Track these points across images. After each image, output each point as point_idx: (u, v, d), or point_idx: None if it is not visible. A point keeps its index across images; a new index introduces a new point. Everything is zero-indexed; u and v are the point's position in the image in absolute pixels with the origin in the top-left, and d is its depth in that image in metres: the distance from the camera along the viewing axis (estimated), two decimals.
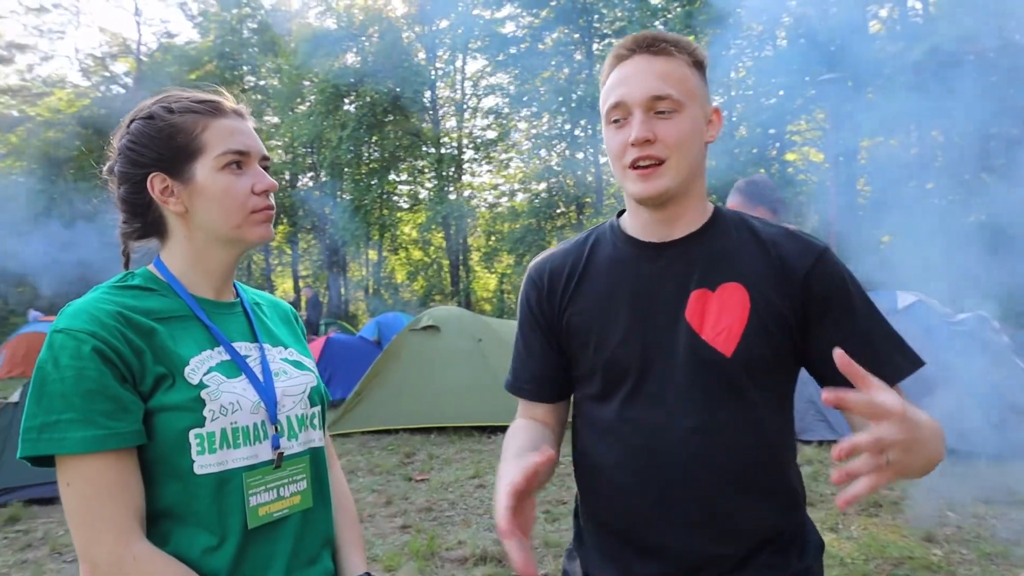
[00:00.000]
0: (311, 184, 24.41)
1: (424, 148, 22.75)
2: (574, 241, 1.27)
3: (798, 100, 14.66)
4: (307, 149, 23.72)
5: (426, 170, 23.68)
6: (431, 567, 3.77)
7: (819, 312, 1.09)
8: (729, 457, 1.06)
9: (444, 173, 22.42)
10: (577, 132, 19.58)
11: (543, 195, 21.44)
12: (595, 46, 19.26)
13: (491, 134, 23.06)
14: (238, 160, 1.06)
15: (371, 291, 25.18)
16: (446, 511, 4.76)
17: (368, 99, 20.84)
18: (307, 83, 22.90)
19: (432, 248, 24.55)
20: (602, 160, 18.20)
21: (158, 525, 0.98)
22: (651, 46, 1.10)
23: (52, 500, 4.93)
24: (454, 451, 6.37)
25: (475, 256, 23.92)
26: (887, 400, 0.77)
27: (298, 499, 1.08)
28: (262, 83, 24.72)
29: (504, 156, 23.24)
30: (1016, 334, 6.66)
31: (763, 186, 3.03)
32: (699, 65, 1.14)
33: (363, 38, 22.38)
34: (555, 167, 21.02)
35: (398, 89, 21.17)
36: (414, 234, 24.50)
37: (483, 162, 23.94)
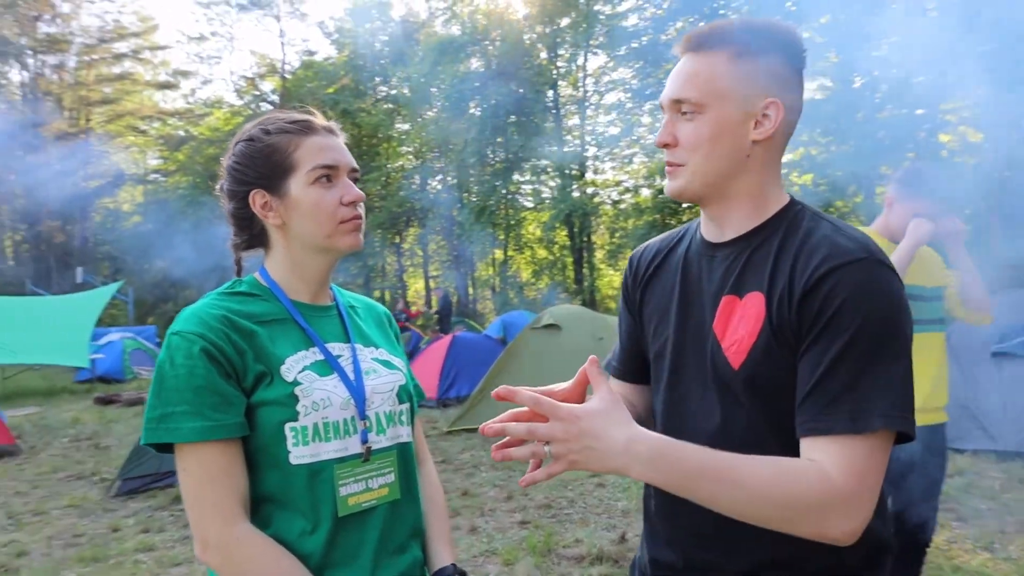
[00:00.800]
0: (439, 187, 25.28)
1: (547, 147, 22.90)
2: (672, 232, 1.30)
3: (951, 75, 13.37)
4: (435, 153, 24.59)
5: (549, 169, 23.83)
6: (548, 563, 3.82)
7: (807, 330, 0.96)
8: None
9: (567, 171, 22.45)
10: None
11: None
12: None
13: (614, 130, 22.82)
14: (327, 174, 1.15)
15: (497, 290, 25.70)
16: (564, 508, 4.79)
17: (492, 102, 21.27)
18: (434, 90, 23.74)
19: (556, 246, 24.68)
20: None
21: (261, 509, 1.08)
22: (691, 44, 1.08)
23: None
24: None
25: (599, 254, 23.78)
26: (555, 405, 0.89)
27: (386, 491, 1.15)
28: (393, 92, 25.89)
29: (627, 152, 22.92)
30: None
31: (925, 175, 2.64)
32: (751, 54, 1.04)
33: (486, 42, 22.90)
34: None
35: (521, 90, 21.46)
36: (538, 233, 24.74)
37: (606, 159, 23.76)
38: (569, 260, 23.77)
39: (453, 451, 6.57)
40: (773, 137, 1.06)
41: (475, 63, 23.31)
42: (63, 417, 9.50)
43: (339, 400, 1.11)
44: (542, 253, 25.35)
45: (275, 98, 29.74)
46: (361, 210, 1.18)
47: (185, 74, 33.27)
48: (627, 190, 23.70)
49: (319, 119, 1.19)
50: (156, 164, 33.52)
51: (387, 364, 1.24)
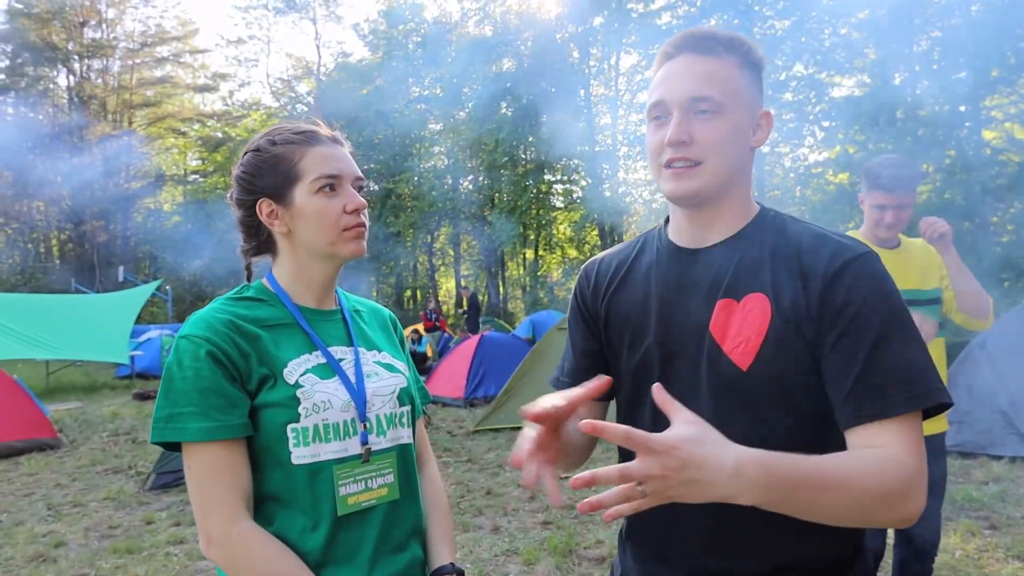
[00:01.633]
0: (471, 187, 25.40)
1: (578, 147, 22.83)
2: (627, 243, 1.28)
3: (995, 70, 12.98)
4: (467, 153, 24.71)
5: (580, 168, 23.76)
6: (568, 564, 3.82)
7: (830, 325, 1.00)
8: None
9: (598, 171, 22.37)
10: None
11: None
12: (755, 29, 18.30)
13: (646, 129, 22.65)
14: (331, 183, 1.18)
15: (527, 289, 25.72)
16: None
17: (523, 101, 21.29)
18: (466, 90, 23.85)
19: (587, 246, 24.60)
20: (764, 150, 17.27)
21: (265, 507, 1.12)
22: (697, 46, 1.08)
23: None
24: (600, 450, 6.32)
25: None
26: (648, 437, 0.78)
27: (385, 491, 1.18)
28: (425, 93, 26.08)
29: None
30: None
31: (875, 164, 2.54)
32: (752, 66, 1.10)
33: (518, 42, 22.93)
34: None
35: (552, 90, 21.44)
36: (569, 232, 24.69)
37: (638, 158, 23.58)
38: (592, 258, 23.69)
39: (479, 450, 6.61)
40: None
41: (507, 63, 23.35)
42: (103, 412, 9.79)
43: (340, 402, 1.14)
44: (572, 253, 25.30)
45: (310, 100, 30.20)
46: (364, 218, 1.21)
47: (223, 77, 34.02)
48: (659, 190, 23.48)
49: (324, 129, 1.22)
50: (195, 165, 34.34)
51: (389, 367, 1.27)
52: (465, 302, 15.87)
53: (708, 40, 1.08)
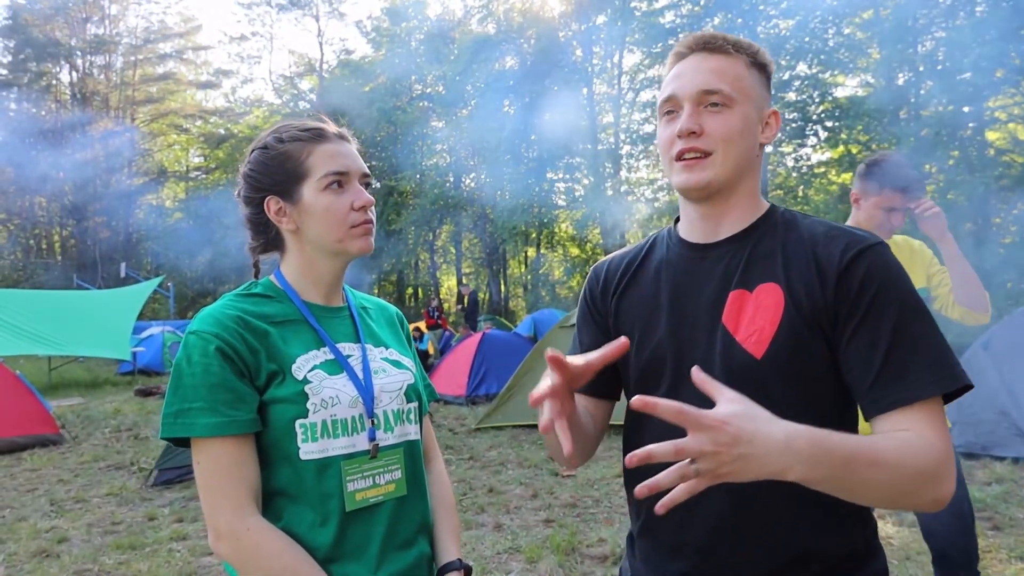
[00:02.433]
0: (473, 184, 25.39)
1: (581, 145, 22.84)
2: (636, 244, 1.30)
3: (1000, 71, 12.95)
4: (468, 151, 24.70)
5: (583, 167, 23.76)
6: (571, 562, 3.82)
7: (847, 313, 1.01)
8: None
9: (601, 169, 22.37)
10: None
11: None
12: (759, 29, 18.28)
13: (649, 128, 22.65)
14: (338, 180, 1.18)
15: (529, 288, 25.72)
16: (590, 508, 4.79)
17: (526, 100, 21.28)
18: (469, 88, 23.84)
19: (589, 245, 24.60)
20: (767, 149, 17.24)
21: (273, 502, 1.12)
22: (708, 45, 1.11)
23: None
24: (602, 448, 6.37)
25: None
26: (700, 413, 0.79)
27: (392, 487, 1.18)
28: (428, 91, 26.08)
29: None
30: None
31: (888, 164, 2.45)
32: (760, 67, 1.13)
33: (521, 40, 22.92)
34: None
35: (555, 88, 21.43)
36: (571, 231, 24.68)
37: (641, 157, 23.58)
38: (602, 258, 23.68)
39: (480, 448, 6.61)
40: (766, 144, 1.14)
41: (510, 61, 23.34)
42: (105, 408, 9.81)
43: (347, 398, 1.14)
44: (574, 251, 25.30)
45: (312, 97, 30.21)
46: (372, 214, 1.21)
47: (226, 73, 34.04)
48: (661, 188, 23.50)
49: (331, 126, 1.22)
50: (197, 162, 34.37)
51: (396, 364, 1.27)
52: (466, 300, 15.88)
53: (717, 40, 1.12)
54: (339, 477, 1.11)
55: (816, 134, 17.77)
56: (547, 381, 0.94)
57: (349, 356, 1.19)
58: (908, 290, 1.02)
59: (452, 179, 25.19)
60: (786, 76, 16.85)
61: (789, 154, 18.79)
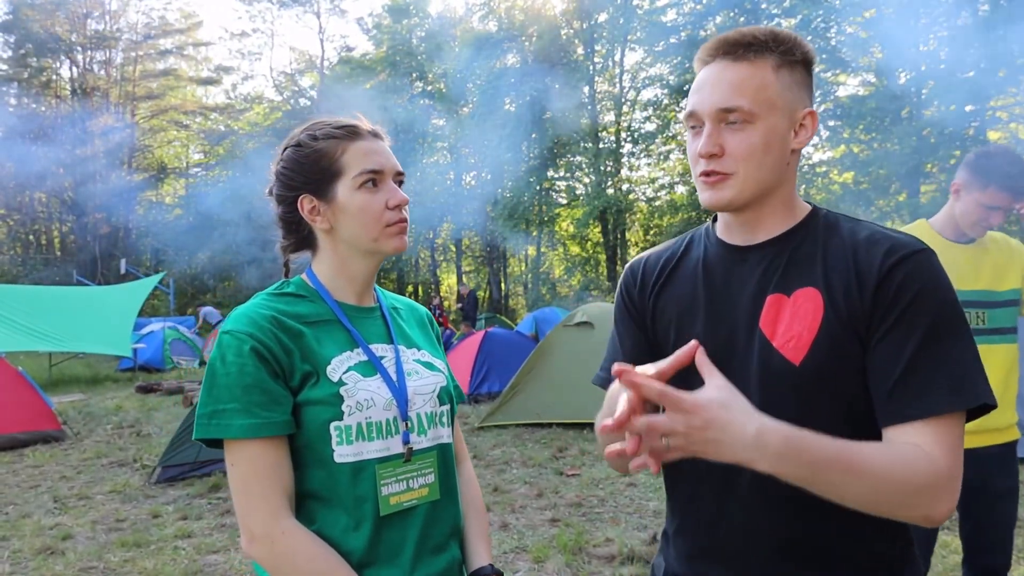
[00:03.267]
0: (474, 183, 25.37)
1: (582, 143, 22.84)
2: (674, 240, 1.28)
3: (1002, 70, 12.95)
4: (469, 149, 24.68)
5: (584, 165, 23.75)
6: (578, 562, 3.82)
7: (880, 320, 0.99)
8: None
9: (602, 167, 22.36)
10: None
11: None
12: None
13: (650, 126, 22.65)
14: (373, 178, 1.16)
15: (529, 286, 25.70)
16: (595, 507, 4.78)
17: (527, 98, 21.27)
18: (470, 85, 23.81)
19: (590, 243, 24.60)
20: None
21: (306, 505, 1.11)
22: (728, 51, 1.06)
23: None
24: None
25: (633, 251, 23.66)
26: (679, 395, 0.84)
27: (426, 491, 1.16)
28: (429, 88, 26.05)
29: (664, 148, 22.74)
30: None
31: (1000, 159, 2.26)
32: (793, 64, 1.07)
33: (523, 38, 22.89)
34: None
35: (557, 86, 21.42)
36: (572, 229, 24.68)
37: (642, 155, 23.58)
38: (602, 257, 23.68)
39: (484, 447, 6.60)
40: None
41: (511, 59, 23.31)
42: (106, 404, 9.79)
43: (382, 401, 1.12)
44: (575, 250, 25.30)
45: (313, 93, 30.16)
46: (406, 213, 1.19)
47: (227, 70, 33.97)
48: (662, 187, 23.51)
49: (365, 123, 1.20)
50: (198, 158, 34.32)
51: (429, 365, 1.25)
52: (464, 297, 15.88)
53: (739, 46, 1.06)
54: (373, 481, 1.10)
55: (818, 133, 17.75)
56: (623, 403, 0.91)
57: (382, 357, 1.18)
58: (946, 300, 0.99)
59: (453, 176, 25.18)
60: None
61: None
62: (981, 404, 0.95)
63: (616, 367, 0.89)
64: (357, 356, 1.15)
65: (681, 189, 22.51)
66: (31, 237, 30.95)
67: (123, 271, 22.36)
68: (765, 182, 1.06)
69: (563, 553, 3.90)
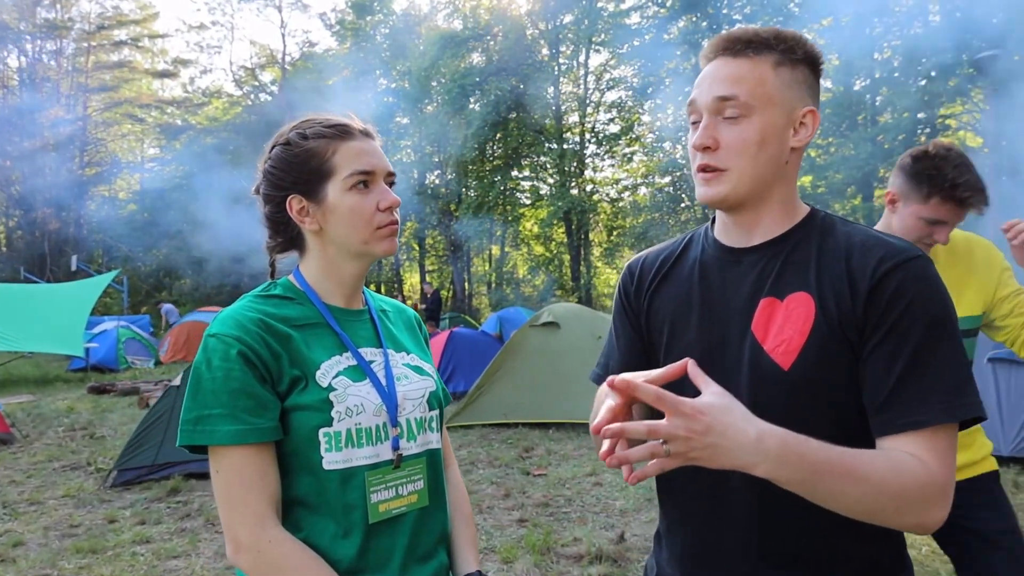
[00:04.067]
0: (437, 181, 25.24)
1: (546, 144, 22.91)
2: (673, 240, 1.28)
3: (952, 80, 13.41)
4: (434, 148, 24.55)
5: (548, 166, 23.83)
6: (547, 562, 3.82)
7: (873, 328, 0.99)
8: None
9: (566, 168, 22.47)
10: None
11: (667, 189, 20.98)
12: (723, 33, 18.55)
13: (614, 128, 22.85)
14: (364, 179, 1.14)
15: (493, 286, 25.68)
16: (563, 507, 4.80)
17: (492, 97, 21.25)
18: (434, 84, 23.68)
19: (553, 243, 24.69)
20: None
21: (293, 513, 1.08)
22: (729, 48, 1.07)
23: (207, 475, 5.45)
24: (572, 447, 6.40)
25: (596, 251, 23.83)
26: (679, 399, 0.84)
27: (415, 498, 1.14)
28: (393, 86, 25.83)
29: (627, 150, 22.97)
30: None
31: (943, 162, 1.85)
32: (795, 63, 1.07)
33: (488, 37, 22.86)
34: (679, 160, 20.51)
35: (521, 86, 21.45)
36: (536, 229, 24.74)
37: (606, 156, 23.78)
38: (566, 257, 23.79)
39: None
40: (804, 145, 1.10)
41: (476, 58, 23.26)
42: (57, 406, 9.47)
43: (372, 406, 1.10)
44: (539, 250, 25.36)
45: (274, 89, 29.64)
46: (397, 215, 1.17)
47: (184, 63, 33.16)
48: (625, 188, 23.73)
49: (356, 123, 1.18)
50: (153, 152, 33.43)
51: (418, 370, 1.23)
52: (429, 297, 15.78)
53: (739, 42, 1.07)
54: (363, 488, 1.07)
55: None
56: (608, 407, 0.91)
57: (372, 362, 1.15)
58: (940, 310, 0.99)
59: (416, 175, 25.01)
60: None
61: None
62: (972, 417, 0.96)
63: (610, 380, 0.89)
64: (346, 360, 1.12)
65: (644, 191, 22.77)
66: None
67: (74, 268, 21.66)
68: (761, 178, 1.06)
69: (531, 553, 3.90)
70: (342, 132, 1.14)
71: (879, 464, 0.92)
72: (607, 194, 24.14)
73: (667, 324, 1.17)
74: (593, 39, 21.85)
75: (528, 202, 25.07)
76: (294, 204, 1.14)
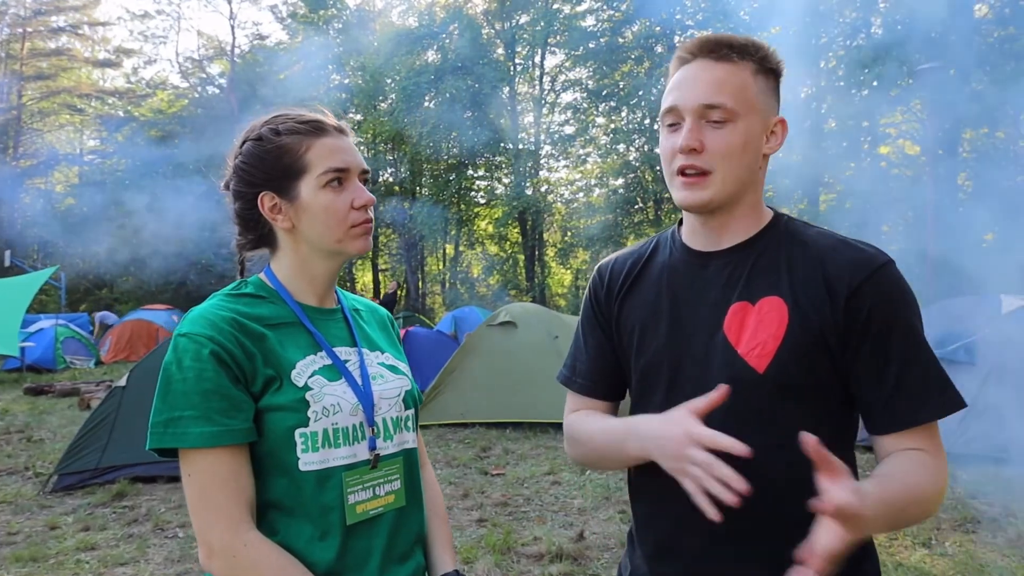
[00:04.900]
0: (391, 179, 24.98)
1: (502, 144, 22.92)
2: (641, 244, 1.29)
3: (893, 90, 13.93)
4: (388, 145, 24.29)
5: (503, 166, 23.84)
6: (507, 561, 3.83)
7: (858, 334, 1.03)
8: (752, 480, 0.93)
9: (521, 169, 22.52)
10: (656, 127, 19.26)
11: (621, 191, 21.23)
12: (677, 38, 18.89)
13: (569, 129, 23.00)
14: (339, 177, 1.12)
15: (448, 285, 25.58)
16: (521, 506, 4.81)
17: (447, 96, 21.15)
18: (389, 81, 23.44)
19: (508, 243, 24.72)
20: None
21: (267, 516, 1.05)
22: (712, 51, 1.08)
23: (155, 479, 5.28)
24: (529, 447, 6.42)
25: (551, 252, 23.95)
26: (855, 512, 0.85)
27: (392, 498, 1.13)
28: (346, 82, 25.45)
29: (582, 151, 23.14)
30: None
31: None
32: (768, 72, 1.10)
33: (443, 35, 22.73)
34: (633, 162, 20.79)
35: (476, 85, 21.40)
36: (490, 229, 24.73)
37: (560, 157, 23.91)
38: (521, 257, 23.85)
39: None
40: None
41: (431, 56, 23.11)
42: None
43: (348, 406, 1.08)
44: (493, 249, 25.36)
45: (222, 82, 28.89)
46: (371, 213, 1.15)
47: (127, 52, 32.02)
48: (580, 189, 23.92)
49: (330, 119, 1.16)
50: (93, 144, 32.18)
51: (393, 369, 1.22)
52: (383, 295, 15.61)
53: (722, 46, 1.08)
54: (340, 489, 1.05)
55: None
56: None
57: (346, 361, 1.13)
58: (915, 312, 1.06)
59: (370, 173, 24.66)
60: None
61: None
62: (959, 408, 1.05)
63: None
64: (321, 360, 1.10)
65: (598, 192, 22.98)
66: None
67: (7, 263, 20.66)
68: (740, 183, 1.08)
69: (492, 553, 3.90)
70: (316, 128, 1.12)
71: (920, 477, 1.00)
72: (561, 195, 24.30)
73: (637, 329, 1.18)
74: (549, 40, 21.95)
75: (483, 201, 25.04)
76: (266, 201, 1.12)
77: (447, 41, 22.66)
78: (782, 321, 1.05)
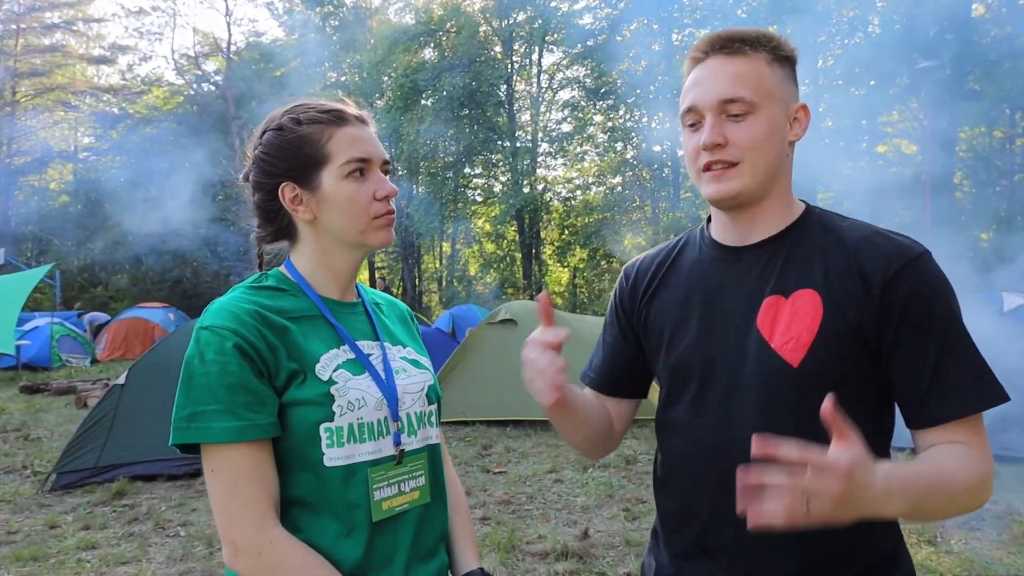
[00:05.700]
0: (389, 177, 24.89)
1: (499, 142, 22.88)
2: (668, 243, 1.28)
3: (891, 89, 13.95)
4: (385, 143, 24.19)
5: (501, 164, 23.80)
6: (512, 559, 3.81)
7: (895, 326, 1.01)
8: None
9: (518, 167, 22.48)
10: (654, 125, 19.25)
11: (618, 189, 21.21)
12: (674, 36, 18.88)
13: (566, 127, 22.98)
14: (361, 167, 1.09)
15: (445, 283, 25.55)
16: (524, 504, 4.79)
17: (444, 93, 21.10)
18: (386, 78, 23.37)
19: (505, 241, 24.69)
20: (679, 153, 17.82)
21: (291, 513, 1.03)
22: (724, 47, 1.07)
23: (154, 477, 5.25)
24: (531, 445, 6.41)
25: (548, 250, 23.93)
26: (828, 461, 0.81)
27: (417, 494, 1.11)
28: (343, 79, 25.36)
29: (579, 149, 23.11)
30: None
31: None
32: (783, 60, 1.09)
33: (441, 33, 22.68)
34: (631, 160, 20.77)
35: (474, 83, 21.35)
36: (488, 227, 24.69)
37: (558, 155, 23.88)
38: (518, 255, 23.82)
39: None
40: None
41: (428, 53, 23.05)
42: None
43: (373, 400, 1.06)
44: (491, 248, 25.33)
45: (218, 79, 28.76)
46: (393, 204, 1.13)
47: (122, 49, 31.86)
48: (577, 187, 23.90)
49: (351, 108, 1.13)
50: (88, 141, 32.01)
51: (416, 363, 1.20)
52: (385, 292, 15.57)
53: (733, 40, 1.08)
54: (365, 485, 1.03)
55: None
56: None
57: (369, 355, 1.11)
58: (954, 303, 1.03)
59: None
60: None
61: None
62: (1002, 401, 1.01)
63: (762, 448, 0.84)
64: (345, 353, 1.08)
65: (595, 190, 22.97)
66: None
67: (1, 261, 20.56)
68: (769, 172, 1.07)
69: (496, 551, 3.88)
70: (337, 117, 1.10)
71: (954, 466, 0.97)
72: (559, 193, 24.27)
73: (667, 328, 1.17)
74: (546, 38, 21.91)
75: (480, 200, 24.99)
76: (287, 192, 1.09)
77: (444, 39, 22.61)
78: (816, 314, 1.03)
